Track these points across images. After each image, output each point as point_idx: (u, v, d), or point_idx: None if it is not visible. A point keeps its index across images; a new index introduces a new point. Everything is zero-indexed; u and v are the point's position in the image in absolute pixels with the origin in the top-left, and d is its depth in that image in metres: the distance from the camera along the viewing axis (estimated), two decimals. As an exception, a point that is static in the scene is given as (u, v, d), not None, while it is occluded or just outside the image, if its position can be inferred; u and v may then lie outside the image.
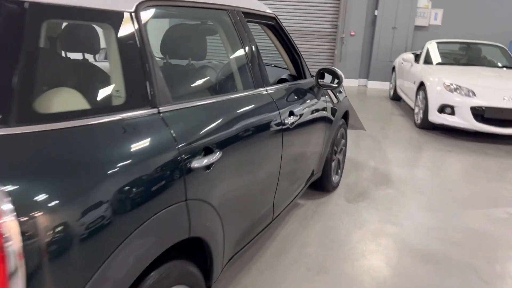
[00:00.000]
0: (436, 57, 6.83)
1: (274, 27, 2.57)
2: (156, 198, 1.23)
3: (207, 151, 1.51)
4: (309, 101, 2.66)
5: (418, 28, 9.37)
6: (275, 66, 3.50)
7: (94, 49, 1.58)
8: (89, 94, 1.24)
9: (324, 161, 3.24)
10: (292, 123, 2.30)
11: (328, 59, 9.95)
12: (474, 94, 5.34)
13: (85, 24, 1.49)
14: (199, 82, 1.82)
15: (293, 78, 2.88)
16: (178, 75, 1.75)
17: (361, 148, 4.93)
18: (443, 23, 9.36)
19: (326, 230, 2.91)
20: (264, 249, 2.62)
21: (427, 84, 5.78)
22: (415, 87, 6.31)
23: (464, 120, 5.34)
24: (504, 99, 5.21)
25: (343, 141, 3.68)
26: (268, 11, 2.48)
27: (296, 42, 9.89)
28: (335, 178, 3.57)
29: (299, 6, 9.64)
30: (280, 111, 2.18)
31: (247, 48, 2.07)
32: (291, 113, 2.32)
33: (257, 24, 2.47)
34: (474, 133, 5.74)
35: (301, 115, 2.46)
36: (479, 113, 5.26)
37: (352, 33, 9.55)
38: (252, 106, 1.93)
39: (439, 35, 9.27)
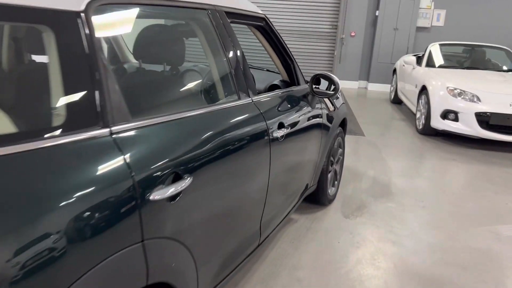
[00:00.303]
0: (439, 60, 6.59)
1: (264, 28, 2.32)
2: (102, 241, 0.99)
3: (175, 177, 1.26)
4: (302, 110, 2.42)
5: (420, 29, 9.12)
6: (267, 70, 3.25)
7: (31, 57, 1.33)
8: (18, 113, 1.00)
9: (319, 173, 3.00)
10: (282, 136, 2.06)
11: (327, 60, 9.70)
12: (479, 99, 5.09)
13: (21, 26, 1.24)
14: (169, 93, 1.58)
15: (286, 84, 2.63)
16: (142, 85, 1.50)
17: (360, 155, 4.68)
18: (445, 25, 9.11)
19: (320, 251, 2.67)
20: (251, 273, 2.38)
21: (429, 88, 5.54)
22: (417, 91, 6.07)
23: (468, 126, 5.09)
24: (510, 105, 4.96)
25: (340, 150, 3.44)
26: (257, 10, 2.23)
27: (294, 43, 9.65)
28: (331, 190, 3.33)
29: (297, 6, 9.39)
30: (267, 122, 1.93)
31: (230, 53, 1.83)
32: (281, 125, 2.08)
33: (245, 26, 2.23)
34: (479, 141, 5.49)
35: (292, 127, 2.22)
36: (484, 120, 5.02)
37: (352, 34, 9.31)
38: (234, 119, 1.69)
39: (441, 36, 9.02)
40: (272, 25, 2.35)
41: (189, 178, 1.30)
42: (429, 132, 5.59)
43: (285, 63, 2.54)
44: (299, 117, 2.34)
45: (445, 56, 6.74)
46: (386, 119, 6.71)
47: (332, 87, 2.61)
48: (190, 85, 1.84)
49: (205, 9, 1.74)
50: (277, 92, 2.27)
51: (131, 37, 1.57)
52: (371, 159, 4.58)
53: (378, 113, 7.13)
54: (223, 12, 1.85)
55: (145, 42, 1.66)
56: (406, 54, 8.67)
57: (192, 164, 1.35)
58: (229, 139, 1.59)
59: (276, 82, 2.66)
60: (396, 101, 7.77)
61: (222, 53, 1.79)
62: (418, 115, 5.93)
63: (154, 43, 1.66)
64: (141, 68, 1.74)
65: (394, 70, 7.99)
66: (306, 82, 2.77)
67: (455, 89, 5.27)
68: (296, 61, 2.58)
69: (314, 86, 2.61)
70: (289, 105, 2.28)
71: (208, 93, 1.80)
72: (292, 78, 2.59)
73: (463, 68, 6.39)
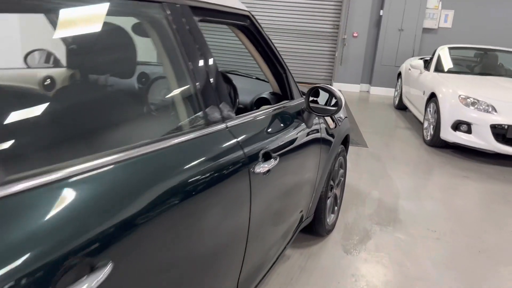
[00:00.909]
0: (448, 64, 6.11)
1: (248, 29, 1.83)
2: None
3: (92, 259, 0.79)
4: (295, 132, 1.93)
5: (426, 30, 8.64)
6: (257, 78, 2.76)
7: None
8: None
9: (316, 202, 2.52)
10: (267, 171, 1.57)
11: (328, 61, 9.21)
12: (494, 109, 4.61)
13: None
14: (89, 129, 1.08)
15: (277, 98, 2.15)
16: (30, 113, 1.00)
17: (363, 172, 4.20)
18: (453, 26, 8.63)
19: (316, 301, 2.19)
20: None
21: (439, 96, 5.05)
22: (424, 98, 5.58)
23: (482, 139, 4.61)
24: (530, 117, 4.48)
25: (342, 171, 2.96)
26: (239, 6, 1.74)
27: (292, 43, 9.16)
28: (330, 218, 2.85)
29: (296, 3, 8.90)
30: (247, 154, 1.45)
31: (195, 62, 1.34)
32: (267, 156, 1.59)
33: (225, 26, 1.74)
34: (494, 155, 5.01)
35: (283, 155, 1.74)
36: (500, 133, 4.54)
37: (355, 34, 8.82)
38: (194, 157, 1.20)
39: (448, 39, 8.53)
40: (259, 25, 1.87)
41: (109, 266, 0.82)
42: (438, 144, 5.11)
43: (276, 72, 2.06)
44: (291, 143, 1.85)
45: (455, 61, 6.26)
46: (390, 128, 6.23)
47: (334, 101, 2.13)
48: (131, 111, 1.34)
49: (159, 1, 1.25)
50: (263, 111, 1.78)
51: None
52: (375, 176, 4.10)
53: (382, 120, 6.65)
54: (187, 7, 1.37)
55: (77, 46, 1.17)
56: (412, 57, 8.18)
57: (126, 227, 0.87)
58: (185, 183, 1.11)
59: (265, 95, 2.18)
60: (401, 107, 7.29)
61: (182, 62, 1.30)
62: (425, 124, 5.45)
63: (86, 47, 1.17)
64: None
65: (399, 74, 7.51)
66: (303, 94, 2.30)
67: (468, 97, 4.78)
68: (290, 70, 2.10)
69: (311, 99, 2.12)
70: (278, 128, 1.79)
71: (159, 121, 1.31)
72: (284, 90, 2.11)
73: (475, 74, 5.90)
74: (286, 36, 9.09)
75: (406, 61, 7.42)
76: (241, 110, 2.19)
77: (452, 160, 4.78)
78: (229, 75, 2.46)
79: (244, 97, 2.30)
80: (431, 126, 5.22)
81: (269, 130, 1.71)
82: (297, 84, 2.21)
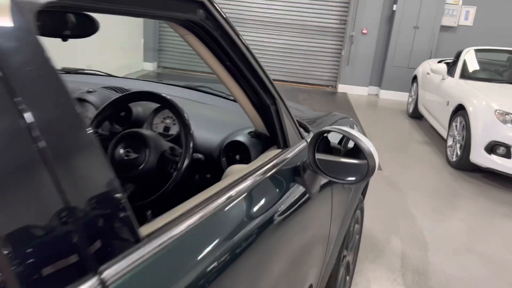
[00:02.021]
0: (477, 70, 5.21)
1: (203, 28, 0.94)
2: None
3: None
4: (292, 223, 1.08)
5: (444, 28, 7.72)
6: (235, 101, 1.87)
7: None
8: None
9: (326, 280, 1.69)
10: None
11: (333, 61, 8.31)
12: (541, 129, 3.73)
13: None
14: None
15: (261, 141, 1.29)
16: None
17: (379, 207, 3.32)
18: (475, 24, 7.71)
19: None
20: None
21: (469, 109, 4.17)
22: (449, 109, 4.69)
23: (525, 167, 3.74)
24: None
25: (357, 226, 2.11)
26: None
27: (293, 39, 8.23)
28: (340, 295, 2.00)
29: (301, -4, 7.99)
30: None
31: None
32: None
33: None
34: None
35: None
36: (548, 159, 3.67)
37: (364, 31, 7.91)
38: None
39: (469, 38, 7.62)
40: (224, 19, 0.98)
41: None
42: (466, 167, 4.23)
43: (259, 102, 1.18)
44: (283, 246, 1.00)
45: (483, 65, 5.37)
46: (406, 142, 5.36)
47: (361, 162, 1.24)
48: None
49: None
50: (228, 184, 0.92)
51: None
52: (394, 215, 3.22)
53: (395, 132, 5.77)
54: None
55: None
56: (429, 58, 7.28)
57: None
58: None
59: (241, 137, 1.31)
60: (416, 115, 6.39)
61: None
62: (450, 141, 4.57)
63: None
64: None
65: (414, 78, 6.61)
66: (305, 129, 1.44)
67: (507, 113, 3.90)
68: (282, 96, 1.22)
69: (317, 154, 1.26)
70: (257, 213, 0.94)
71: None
72: (273, 131, 1.23)
73: (510, 83, 5.00)
74: (285, 32, 8.18)
75: (423, 63, 6.52)
76: (199, 165, 1.32)
77: (485, 190, 3.90)
78: (178, 97, 1.59)
79: (211, 136, 1.43)
80: (458, 145, 4.34)
81: (242, 223, 0.86)
82: (296, 119, 1.33)
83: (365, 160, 1.13)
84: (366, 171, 1.10)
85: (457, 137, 4.38)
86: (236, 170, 1.09)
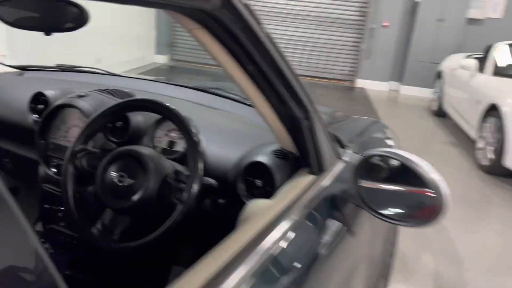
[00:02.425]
0: (511, 66, 4.85)
1: (217, 18, 0.69)
2: None
3: None
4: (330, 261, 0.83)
5: (470, 21, 7.31)
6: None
7: None
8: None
9: None
10: None
11: (352, 54, 7.97)
12: None
13: None
14: None
15: (289, 163, 1.03)
16: None
17: (406, 216, 3.04)
18: (504, 17, 7.28)
19: None
20: None
21: (503, 109, 3.84)
22: (479, 108, 4.35)
23: None
24: None
25: (390, 248, 1.84)
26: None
27: (311, 32, 7.90)
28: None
29: (319, -14, 7.65)
30: None
31: None
32: None
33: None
34: None
35: None
36: None
37: (385, 24, 7.55)
38: None
39: (497, 31, 7.19)
40: (246, 7, 0.72)
41: None
42: (499, 172, 3.91)
43: (287, 114, 0.92)
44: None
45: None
46: (430, 142, 5.04)
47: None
48: None
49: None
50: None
51: None
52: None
53: (418, 131, 5.46)
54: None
55: None
56: (455, 52, 6.89)
57: None
58: None
59: (264, 158, 1.05)
60: (441, 113, 6.05)
61: None
62: (481, 143, 4.25)
63: None
64: None
65: (439, 73, 6.25)
66: (340, 144, 1.18)
67: (548, 115, 3.57)
68: (316, 107, 0.96)
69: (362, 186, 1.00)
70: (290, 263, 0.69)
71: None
72: (304, 150, 0.97)
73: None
74: (302, 24, 7.85)
75: (449, 58, 6.16)
76: (210, 190, 1.07)
77: (522, 198, 3.59)
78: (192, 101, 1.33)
79: (226, 152, 1.17)
80: (489, 148, 4.01)
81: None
82: (333, 133, 1.07)
83: (424, 188, 0.87)
84: (434, 210, 0.83)
85: (489, 139, 4.05)
86: (261, 208, 0.83)
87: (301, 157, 1.02)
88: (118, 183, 0.96)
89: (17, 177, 1.64)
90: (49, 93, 1.32)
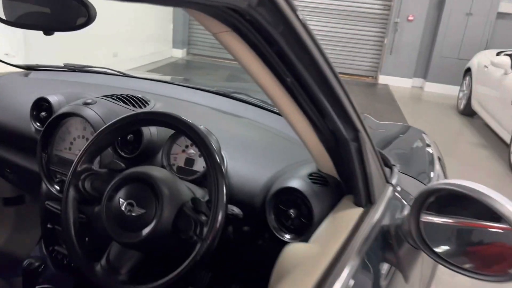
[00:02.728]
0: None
1: (251, 19, 0.52)
2: None
3: None
4: None
5: (501, 15, 6.97)
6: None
7: None
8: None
9: None
10: None
11: (375, 49, 7.71)
12: None
13: None
14: None
15: (327, 189, 0.86)
16: None
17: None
18: (538, 11, 6.93)
19: None
20: None
21: (542, 110, 3.58)
22: (514, 109, 4.10)
23: None
24: None
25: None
26: None
27: (332, 26, 7.65)
28: None
29: (342, -21, 7.40)
30: None
31: None
32: None
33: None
34: None
35: None
36: None
37: (410, 18, 7.26)
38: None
39: (529, 26, 6.85)
40: (290, 6, 0.55)
41: None
42: (535, 177, 3.66)
43: (332, 132, 0.75)
44: None
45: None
46: (458, 143, 4.79)
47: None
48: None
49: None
50: None
51: None
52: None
53: (444, 131, 5.20)
54: None
55: None
56: (484, 48, 6.58)
57: None
58: None
59: (299, 184, 0.88)
60: (468, 112, 5.77)
61: None
62: (515, 147, 4.00)
63: None
64: None
65: (468, 70, 5.96)
66: (385, 164, 1.00)
67: None
68: (366, 125, 0.79)
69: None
70: None
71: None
72: (349, 176, 0.80)
73: None
74: (323, 18, 7.61)
75: (479, 54, 5.86)
76: (234, 221, 0.91)
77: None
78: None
79: (251, 172, 1.00)
80: (525, 152, 3.77)
81: None
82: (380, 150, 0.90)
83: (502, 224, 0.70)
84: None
85: (524, 142, 3.81)
86: (305, 256, 0.67)
87: (343, 183, 0.85)
88: (126, 213, 0.80)
89: (21, 188, 1.51)
90: (52, 99, 1.17)
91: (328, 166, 0.85)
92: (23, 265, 1.16)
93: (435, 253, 0.74)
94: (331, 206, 0.83)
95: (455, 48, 7.06)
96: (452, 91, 6.93)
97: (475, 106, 5.45)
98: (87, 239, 1.06)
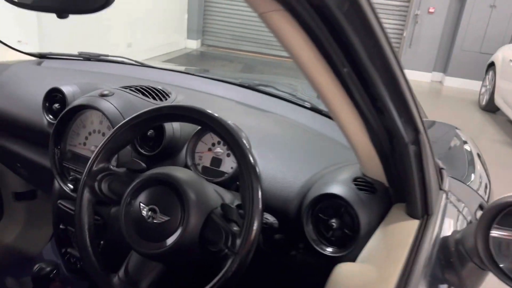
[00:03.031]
0: None
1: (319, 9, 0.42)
2: None
3: None
4: None
5: (526, 8, 6.73)
6: (322, 113, 1.30)
7: None
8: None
9: None
10: None
11: (393, 42, 7.42)
12: None
13: None
14: None
15: (376, 197, 0.76)
16: None
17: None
18: None
19: None
20: None
21: None
22: (542, 106, 3.93)
23: None
24: None
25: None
26: None
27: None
28: None
29: (361, -31, 7.19)
30: None
31: None
32: None
33: None
34: None
35: None
36: None
37: (431, 10, 7.05)
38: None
39: (556, 20, 6.59)
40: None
41: None
42: None
43: (388, 132, 0.65)
44: None
45: None
46: (481, 140, 4.62)
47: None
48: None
49: None
50: None
51: None
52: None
53: (465, 128, 5.00)
54: None
55: None
56: (508, 42, 6.36)
57: None
58: None
59: (341, 190, 0.77)
60: (491, 108, 5.59)
61: None
62: (542, 145, 3.83)
63: None
64: None
65: (491, 65, 5.76)
66: (439, 171, 0.89)
67: None
68: (426, 126, 0.69)
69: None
70: None
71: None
72: (403, 183, 0.70)
73: None
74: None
75: (503, 48, 5.66)
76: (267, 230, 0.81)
77: None
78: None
79: (284, 175, 0.90)
80: (554, 150, 3.60)
81: None
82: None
83: None
84: None
85: (553, 141, 3.64)
86: (359, 281, 0.57)
87: (393, 191, 0.75)
88: (147, 220, 0.71)
89: (33, 184, 1.43)
90: (66, 89, 1.08)
91: (376, 171, 0.74)
92: (33, 270, 1.08)
93: (506, 275, 0.63)
94: (380, 216, 0.73)
95: (477, 42, 6.84)
96: (473, 86, 6.73)
97: (499, 101, 5.26)
98: (102, 242, 0.97)
